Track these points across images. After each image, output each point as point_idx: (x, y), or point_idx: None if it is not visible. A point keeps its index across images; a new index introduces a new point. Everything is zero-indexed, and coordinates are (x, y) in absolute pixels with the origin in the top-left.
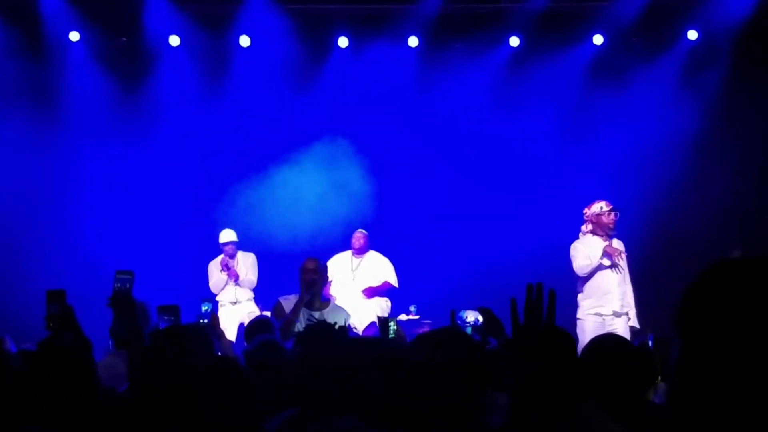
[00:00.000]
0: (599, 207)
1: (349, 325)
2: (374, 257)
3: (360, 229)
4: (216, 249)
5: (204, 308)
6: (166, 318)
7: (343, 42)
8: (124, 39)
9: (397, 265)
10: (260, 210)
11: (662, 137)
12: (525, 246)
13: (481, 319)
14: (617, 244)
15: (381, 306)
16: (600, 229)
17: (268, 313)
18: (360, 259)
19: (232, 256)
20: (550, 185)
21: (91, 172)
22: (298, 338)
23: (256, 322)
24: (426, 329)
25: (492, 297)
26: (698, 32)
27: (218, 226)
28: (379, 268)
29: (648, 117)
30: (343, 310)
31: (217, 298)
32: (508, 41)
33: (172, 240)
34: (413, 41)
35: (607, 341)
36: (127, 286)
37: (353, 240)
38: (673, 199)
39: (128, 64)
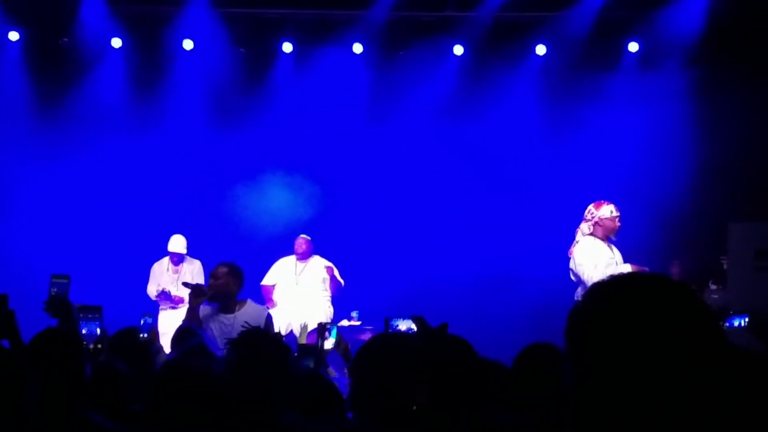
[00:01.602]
0: (608, 210)
1: (290, 331)
2: (317, 262)
3: (302, 235)
4: (158, 251)
5: (142, 321)
6: (90, 317)
7: (287, 47)
8: (65, 39)
9: (342, 271)
10: (201, 215)
11: (610, 145)
12: (469, 255)
13: (414, 327)
14: (615, 250)
15: (324, 311)
16: (604, 233)
17: None
18: (304, 263)
19: (177, 263)
20: (496, 192)
21: (22, 176)
22: (232, 345)
23: (183, 329)
24: (367, 335)
25: (434, 305)
26: (639, 44)
27: (156, 230)
28: (324, 272)
29: (597, 126)
30: (262, 308)
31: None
32: (452, 50)
33: (107, 244)
34: (358, 48)
35: (540, 349)
36: (64, 290)
37: (296, 245)
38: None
39: (68, 65)
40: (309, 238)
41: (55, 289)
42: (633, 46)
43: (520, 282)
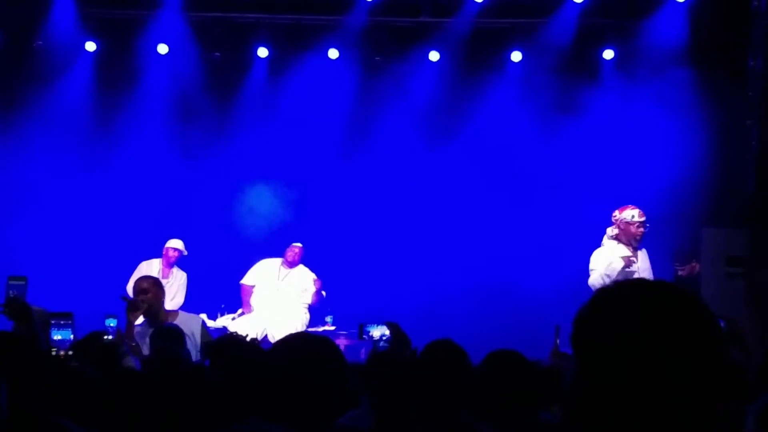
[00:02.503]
0: (630, 215)
1: (265, 336)
2: (302, 272)
3: (296, 243)
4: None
5: (108, 323)
6: (62, 323)
7: (263, 52)
8: (40, 42)
9: (317, 274)
10: (180, 220)
11: (590, 151)
12: (446, 262)
13: (387, 333)
14: (643, 255)
15: (300, 318)
16: (625, 237)
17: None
18: (288, 270)
19: (171, 265)
20: (477, 199)
21: None
22: (206, 350)
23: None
24: (342, 340)
25: (410, 312)
26: (615, 51)
27: (135, 233)
28: (306, 282)
29: (579, 131)
30: (195, 316)
31: None
32: (429, 55)
33: (84, 247)
34: (333, 53)
35: (504, 356)
36: (21, 292)
37: (288, 252)
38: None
39: (41, 68)
40: (301, 246)
41: (12, 291)
42: (608, 54)
43: (502, 289)
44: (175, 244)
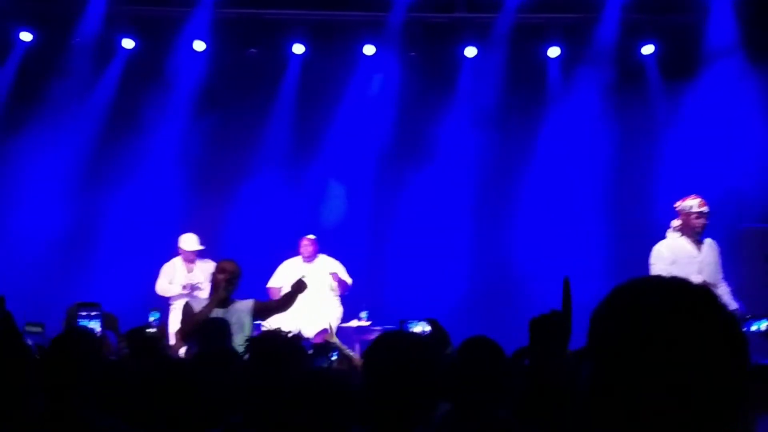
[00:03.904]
0: (689, 205)
1: (299, 332)
2: (324, 261)
3: (307, 236)
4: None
5: (152, 318)
6: (33, 332)
7: (298, 49)
8: (78, 39)
9: (352, 270)
10: (205, 216)
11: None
12: (479, 258)
13: (428, 329)
14: (708, 248)
15: (334, 312)
16: (687, 228)
17: None
18: (308, 265)
19: (192, 261)
20: (512, 195)
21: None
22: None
23: (213, 322)
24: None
25: (444, 308)
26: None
27: (160, 230)
28: (330, 270)
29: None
30: (244, 305)
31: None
32: (464, 51)
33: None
34: (369, 49)
35: (481, 344)
36: None
37: (301, 248)
38: None
39: (80, 65)
40: (313, 237)
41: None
42: (648, 48)
43: (531, 285)
44: (189, 241)
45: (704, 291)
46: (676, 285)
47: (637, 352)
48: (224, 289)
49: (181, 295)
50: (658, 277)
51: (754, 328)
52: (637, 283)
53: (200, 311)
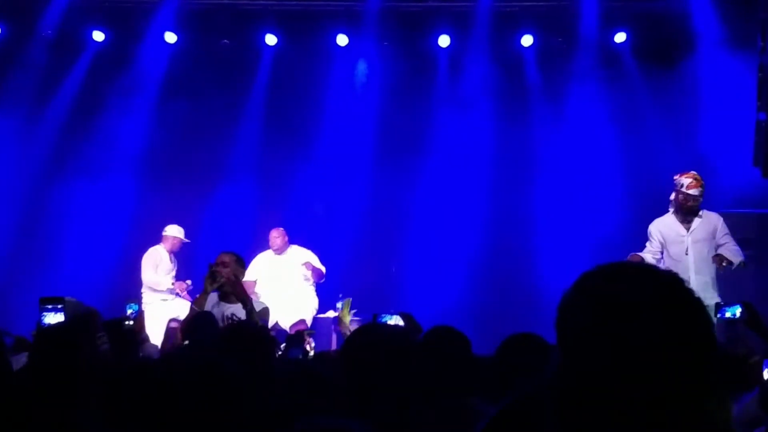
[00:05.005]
0: (681, 183)
1: (276, 323)
2: (295, 251)
3: (275, 229)
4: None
5: (129, 310)
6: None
7: (271, 39)
8: (49, 32)
9: (327, 262)
10: (183, 211)
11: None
12: (462, 250)
13: (402, 323)
14: (701, 225)
15: (308, 303)
16: (677, 205)
17: None
18: (279, 257)
19: (175, 252)
20: (495, 189)
21: None
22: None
23: (200, 316)
24: (354, 326)
25: (422, 300)
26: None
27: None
28: (302, 260)
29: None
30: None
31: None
32: (437, 40)
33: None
34: (342, 39)
35: (523, 339)
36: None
37: (270, 241)
38: None
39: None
40: (282, 230)
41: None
42: (620, 36)
43: (516, 277)
44: (175, 231)
45: (670, 277)
46: (642, 272)
47: (603, 340)
48: (217, 282)
49: (166, 292)
50: (624, 264)
51: (728, 314)
52: (603, 271)
53: (195, 300)
